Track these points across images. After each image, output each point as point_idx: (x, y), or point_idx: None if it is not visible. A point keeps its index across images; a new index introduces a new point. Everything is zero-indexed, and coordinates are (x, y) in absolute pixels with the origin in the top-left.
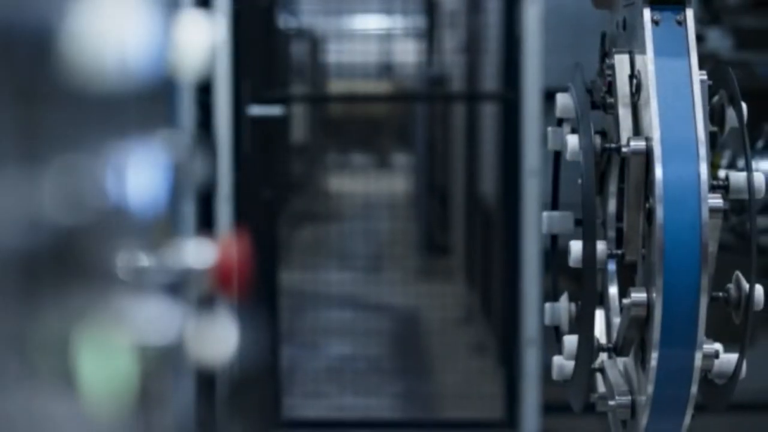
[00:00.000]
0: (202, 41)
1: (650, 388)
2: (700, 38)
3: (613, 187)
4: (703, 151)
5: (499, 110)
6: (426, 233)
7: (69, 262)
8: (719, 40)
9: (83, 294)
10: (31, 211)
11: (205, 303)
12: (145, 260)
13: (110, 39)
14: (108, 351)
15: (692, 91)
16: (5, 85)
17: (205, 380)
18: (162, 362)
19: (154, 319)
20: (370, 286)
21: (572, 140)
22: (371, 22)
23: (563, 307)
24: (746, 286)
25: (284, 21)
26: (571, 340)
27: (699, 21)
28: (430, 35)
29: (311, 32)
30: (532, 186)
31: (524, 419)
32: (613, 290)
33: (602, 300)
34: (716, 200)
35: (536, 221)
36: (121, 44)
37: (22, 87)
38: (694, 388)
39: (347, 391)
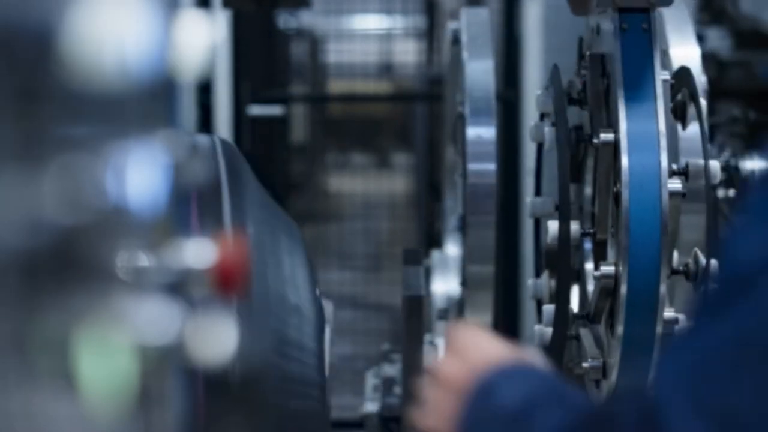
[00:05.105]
0: (202, 41)
1: (618, 350)
2: (700, 38)
3: (589, 176)
4: (663, 142)
5: (499, 110)
6: (426, 233)
7: (69, 262)
8: (719, 40)
9: (83, 294)
10: (31, 211)
11: (205, 303)
12: (145, 260)
13: (110, 39)
14: (108, 351)
15: (655, 89)
16: (5, 84)
17: (205, 380)
18: (162, 362)
19: (154, 319)
20: (370, 286)
21: (550, 133)
22: (371, 22)
23: (544, 282)
24: (703, 260)
25: (284, 21)
26: (549, 309)
27: (699, 21)
28: (430, 35)
29: (311, 32)
30: (532, 186)
31: None
32: (589, 266)
33: (578, 275)
34: (676, 184)
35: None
36: (121, 44)
37: (22, 87)
38: (656, 350)
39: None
